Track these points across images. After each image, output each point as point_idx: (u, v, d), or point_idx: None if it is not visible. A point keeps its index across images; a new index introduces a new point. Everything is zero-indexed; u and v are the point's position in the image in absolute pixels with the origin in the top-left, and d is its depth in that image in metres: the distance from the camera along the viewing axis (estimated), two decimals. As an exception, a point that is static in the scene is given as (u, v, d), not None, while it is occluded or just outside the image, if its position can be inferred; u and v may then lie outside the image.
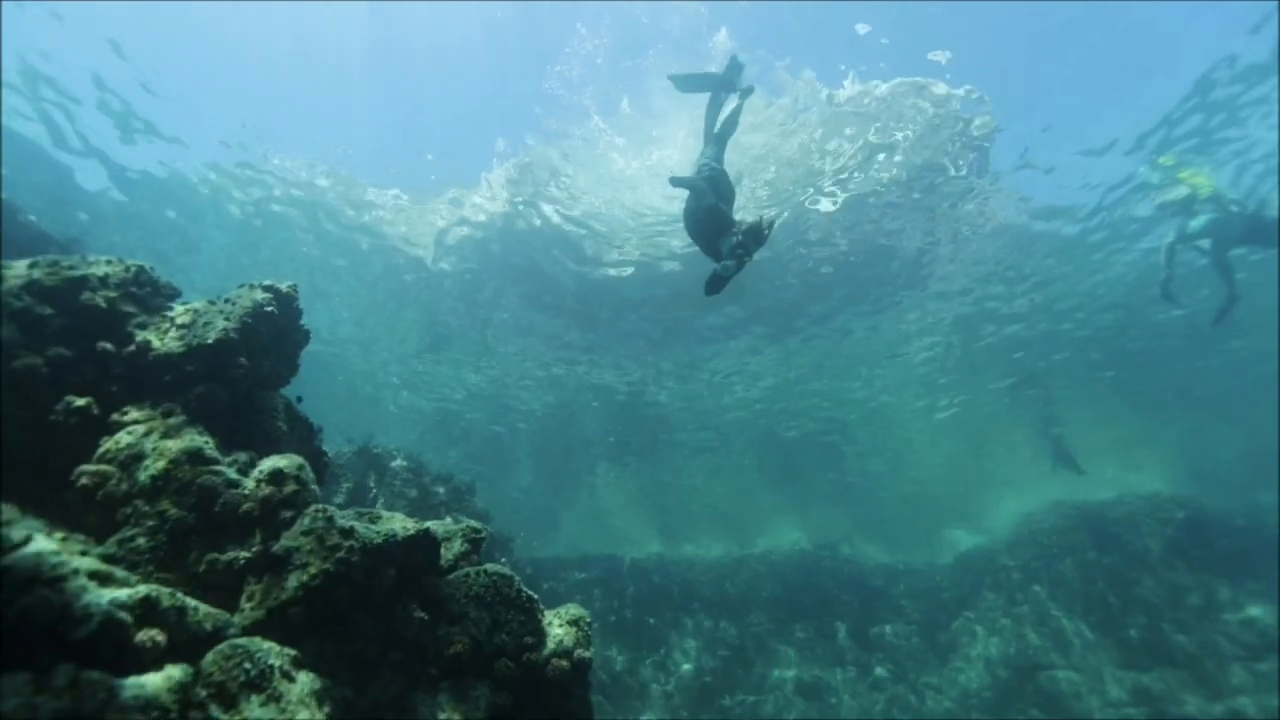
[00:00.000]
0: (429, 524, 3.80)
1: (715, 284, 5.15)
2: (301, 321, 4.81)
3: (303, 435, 4.40)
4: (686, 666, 14.49)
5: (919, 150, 11.89)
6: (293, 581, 2.88)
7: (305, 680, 2.65)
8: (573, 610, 4.18)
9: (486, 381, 20.10)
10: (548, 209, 13.53)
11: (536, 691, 3.61)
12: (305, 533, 3.06)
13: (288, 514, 3.21)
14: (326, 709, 2.69)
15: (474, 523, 4.13)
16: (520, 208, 13.53)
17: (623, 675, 13.11)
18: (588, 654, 3.89)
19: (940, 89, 10.82)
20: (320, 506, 3.15)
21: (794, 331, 17.23)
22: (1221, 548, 13.88)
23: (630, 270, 15.05)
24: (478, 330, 17.58)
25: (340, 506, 6.67)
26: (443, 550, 3.87)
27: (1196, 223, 10.35)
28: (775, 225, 5.10)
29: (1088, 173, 12.64)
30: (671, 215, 13.61)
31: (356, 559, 3.04)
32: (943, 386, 19.77)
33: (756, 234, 5.16)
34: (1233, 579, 13.23)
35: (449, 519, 10.55)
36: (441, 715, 3.11)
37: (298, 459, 3.47)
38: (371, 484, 10.42)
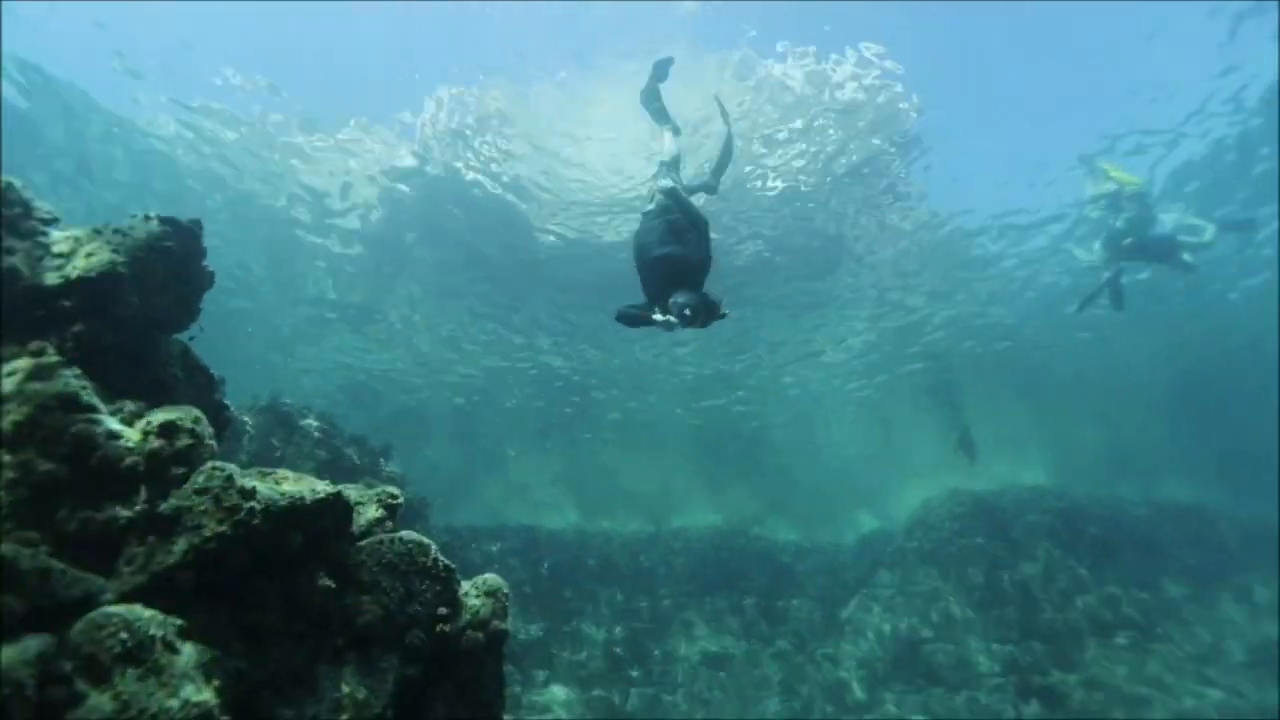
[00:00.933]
0: (342, 487, 3.57)
1: (632, 322, 4.87)
2: (206, 263, 4.38)
3: (201, 386, 4.02)
4: (599, 637, 14.67)
5: (850, 142, 12.25)
6: (182, 544, 2.62)
7: (191, 652, 2.43)
8: (490, 581, 4.07)
9: (404, 349, 19.32)
10: (477, 167, 12.97)
11: (449, 663, 3.49)
12: (199, 491, 2.78)
13: (179, 471, 2.91)
14: (216, 682, 2.48)
15: (391, 488, 3.92)
16: (450, 162, 12.91)
17: (534, 645, 13.12)
18: (504, 625, 3.80)
19: (873, 81, 11.16)
20: (218, 464, 2.88)
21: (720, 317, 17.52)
22: (1087, 534, 15.34)
23: (562, 244, 14.75)
24: (391, 293, 16.79)
25: (243, 466, 6.24)
26: (356, 516, 3.66)
27: (1120, 222, 10.87)
28: (727, 316, 4.70)
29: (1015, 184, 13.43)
30: (612, 196, 13.41)
31: (258, 522, 2.80)
32: (860, 370, 20.65)
33: (711, 313, 4.53)
34: (1094, 562, 14.67)
35: (362, 483, 10.10)
36: (345, 688, 2.95)
37: (194, 411, 3.16)
38: (278, 443, 9.80)
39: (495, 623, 3.76)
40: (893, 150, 12.50)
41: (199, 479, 2.82)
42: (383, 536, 3.53)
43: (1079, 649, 12.33)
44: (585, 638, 14.47)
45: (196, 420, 3.14)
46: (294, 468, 9.16)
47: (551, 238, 14.57)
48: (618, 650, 14.38)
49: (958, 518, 16.67)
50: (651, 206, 5.47)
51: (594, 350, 19.21)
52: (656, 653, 14.86)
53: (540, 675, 12.41)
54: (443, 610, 3.54)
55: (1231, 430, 25.64)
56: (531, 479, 29.06)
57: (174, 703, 2.26)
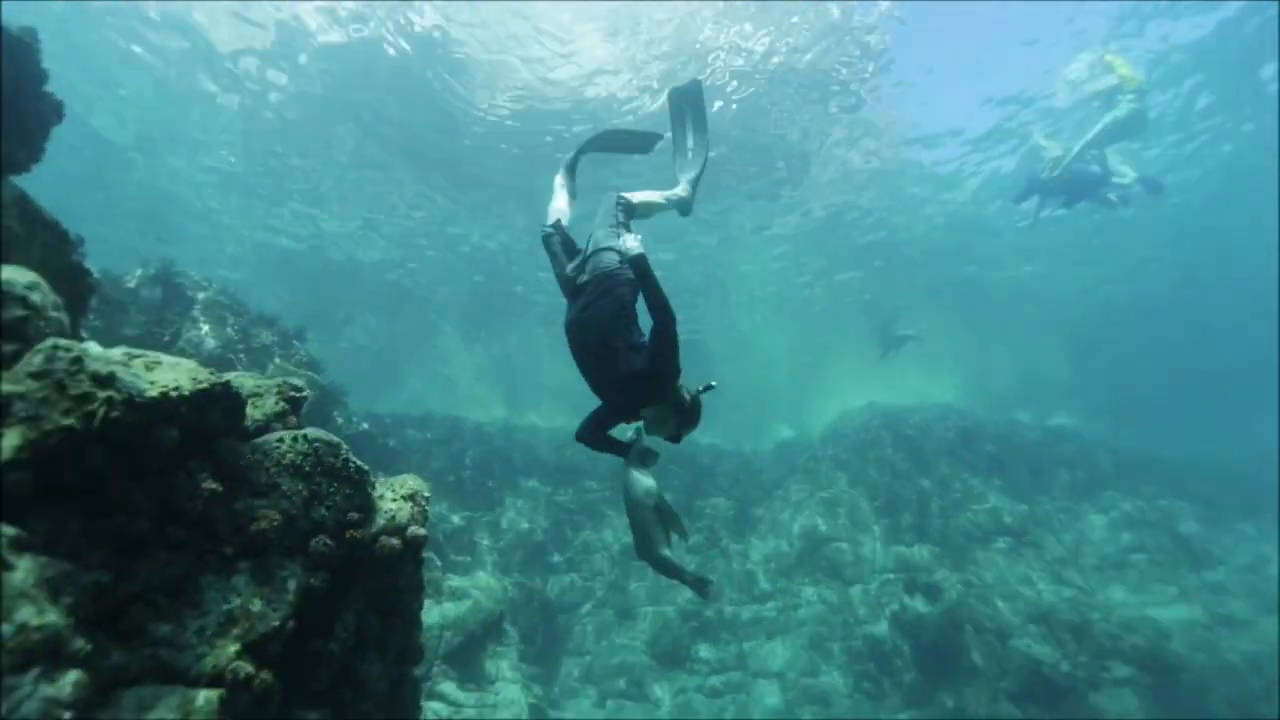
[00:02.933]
0: (230, 376, 3.07)
1: (599, 445, 3.82)
2: (49, 89, 3.50)
3: (49, 244, 3.29)
4: (522, 526, 14.94)
5: (815, 51, 11.55)
6: (13, 439, 2.12)
7: (29, 566, 2.01)
8: (409, 483, 3.75)
9: (328, 223, 17.69)
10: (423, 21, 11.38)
11: (361, 571, 3.22)
12: (37, 375, 2.24)
13: (10, 348, 2.34)
14: (67, 599, 2.09)
15: (293, 379, 3.44)
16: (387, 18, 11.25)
17: (456, 534, 13.21)
18: (422, 531, 3.53)
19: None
20: (61, 342, 2.32)
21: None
22: (984, 452, 16.61)
23: (508, 120, 13.48)
24: (310, 163, 15.09)
25: (128, 345, 5.54)
26: (251, 409, 3.19)
27: (1119, 112, 10.88)
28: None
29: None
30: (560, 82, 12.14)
31: (117, 415, 2.31)
32: (800, 269, 20.73)
33: (695, 416, 3.48)
34: (987, 477, 15.98)
35: (273, 366, 9.36)
36: (235, 599, 2.62)
37: (28, 274, 2.53)
38: (173, 320, 8.82)
39: (413, 528, 3.49)
40: (856, 55, 11.87)
41: (36, 360, 2.27)
42: (283, 433, 3.10)
43: (963, 552, 13.60)
44: (508, 526, 14.70)
45: (33, 286, 2.52)
46: (192, 348, 8.32)
47: (494, 110, 13.26)
48: (540, 539, 14.75)
49: (870, 430, 17.61)
50: (587, 278, 3.55)
51: (531, 233, 18.26)
52: (577, 541, 15.37)
53: (462, 561, 12.57)
54: (354, 515, 3.22)
55: (1124, 370, 28.06)
56: (459, 372, 28.46)
57: (6, 628, 1.87)
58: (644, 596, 14.07)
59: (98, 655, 2.20)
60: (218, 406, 2.78)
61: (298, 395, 3.38)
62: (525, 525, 14.96)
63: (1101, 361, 27.35)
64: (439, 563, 11.82)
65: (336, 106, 13.04)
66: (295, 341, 11.07)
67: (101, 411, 2.27)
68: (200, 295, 9.43)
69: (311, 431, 3.22)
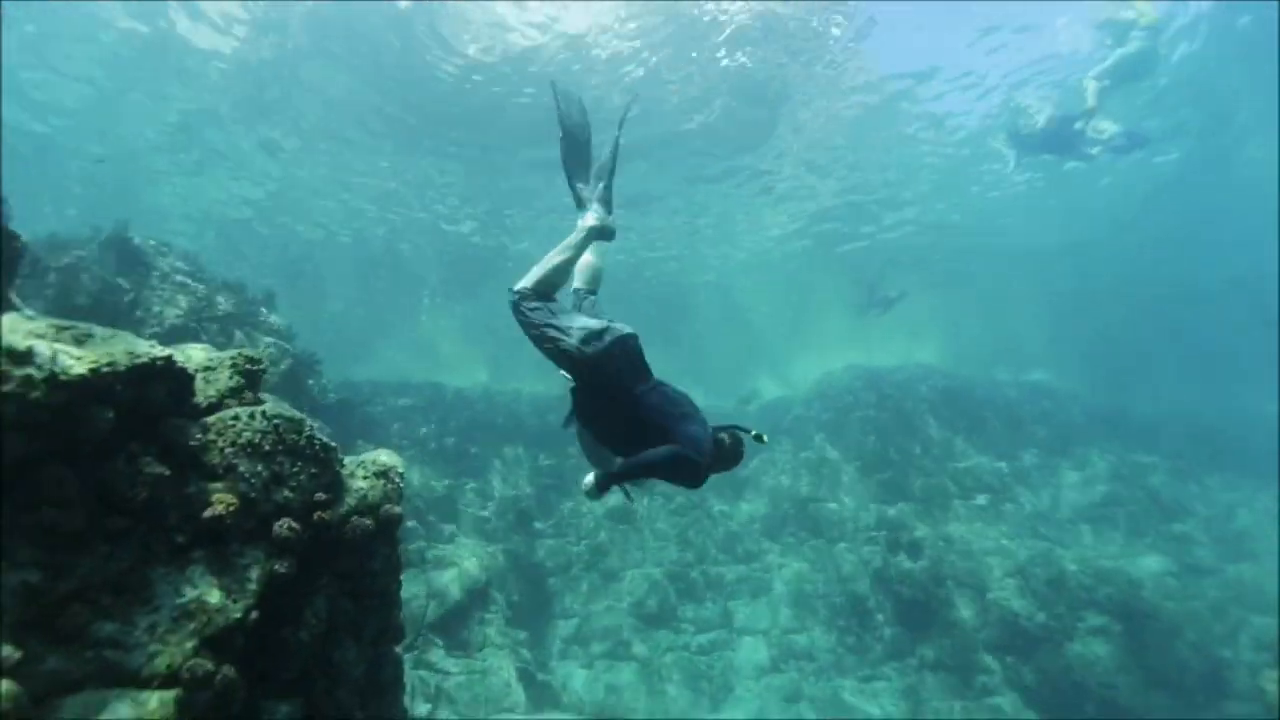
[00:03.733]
0: (176, 349, 2.80)
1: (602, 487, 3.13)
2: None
3: (-37, 204, 2.96)
4: (505, 493, 14.84)
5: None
6: (-88, 426, 1.86)
7: (-62, 571, 1.78)
8: (382, 458, 3.54)
9: (299, 180, 16.93)
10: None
11: (330, 555, 3.02)
12: (-60, 352, 1.97)
13: (-93, 321, 2.06)
14: (-11, 603, 1.86)
15: (249, 350, 3.18)
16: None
17: (440, 502, 13.06)
18: (397, 509, 3.34)
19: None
20: (-32, 314, 2.04)
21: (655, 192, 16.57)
22: (965, 410, 16.76)
23: (491, 80, 12.83)
24: (282, 115, 14.32)
25: (74, 314, 5.22)
26: (202, 384, 2.93)
27: (1129, 49, 10.85)
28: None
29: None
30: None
31: (39, 395, 2.05)
32: (783, 241, 20.47)
33: (735, 458, 3.29)
34: (967, 435, 16.16)
35: (240, 335, 8.97)
36: (190, 592, 2.42)
37: (-73, 237, 2.23)
38: (127, 288, 8.35)
39: (387, 507, 3.29)
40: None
41: (-63, 334, 2.00)
42: (238, 410, 2.85)
43: (944, 509, 13.80)
44: (491, 493, 14.59)
45: (-65, 250, 2.22)
46: (148, 317, 7.89)
47: (474, 63, 12.59)
48: (524, 505, 14.67)
49: (853, 390, 17.65)
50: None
51: (514, 204, 17.76)
52: (563, 507, 15.33)
53: (446, 529, 12.47)
54: (321, 495, 3.01)
55: (1098, 327, 28.44)
56: (438, 337, 27.98)
57: (-89, 641, 1.65)
58: (629, 559, 14.14)
59: (31, 661, 1.99)
60: (160, 383, 2.52)
61: (254, 368, 3.12)
62: (510, 491, 14.85)
63: (1080, 318, 27.65)
64: (423, 531, 11.70)
65: (312, 54, 12.28)
66: (263, 309, 10.65)
67: (18, 391, 2.01)
68: (160, 261, 8.94)
69: (271, 407, 2.97)
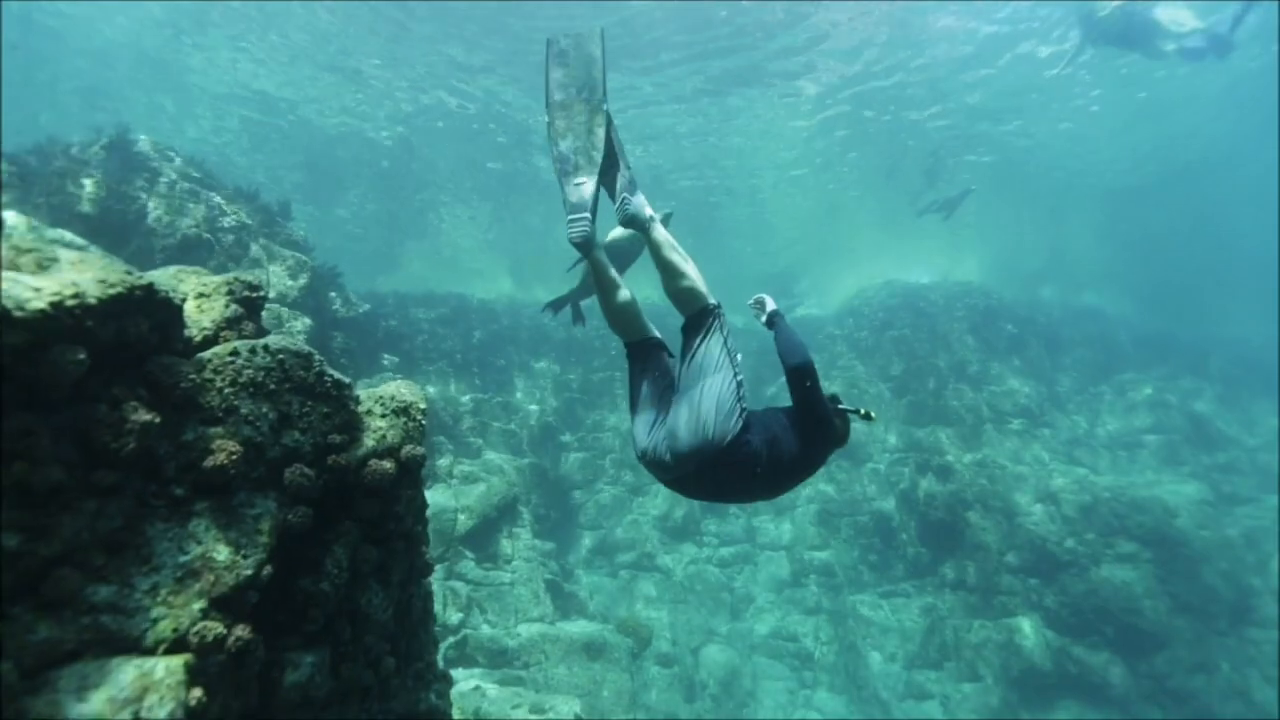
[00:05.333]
0: (157, 274, 2.45)
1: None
2: None
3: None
4: (531, 407, 14.85)
5: None
6: None
7: (-117, 549, 1.52)
8: (402, 392, 3.23)
9: (319, 81, 15.94)
10: None
11: (349, 501, 2.78)
12: None
13: None
14: (-43, 576, 1.63)
15: (247, 275, 2.81)
16: None
17: (466, 415, 13.10)
18: (419, 450, 3.07)
19: None
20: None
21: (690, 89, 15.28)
22: (1004, 332, 16.09)
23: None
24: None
25: (77, 226, 4.93)
26: (195, 314, 2.60)
27: None
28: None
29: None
30: None
31: (-10, 336, 1.73)
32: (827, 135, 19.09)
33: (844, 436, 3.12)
34: (1004, 357, 15.58)
35: (256, 248, 8.63)
36: (195, 548, 2.19)
37: None
38: (139, 194, 7.96)
39: (409, 447, 3.02)
40: None
41: None
42: (237, 345, 2.53)
43: (976, 433, 13.48)
44: (518, 406, 14.61)
45: None
46: (160, 226, 7.51)
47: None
48: (550, 420, 14.70)
49: (888, 309, 17.00)
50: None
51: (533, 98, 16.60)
52: (588, 421, 15.36)
53: (474, 443, 12.55)
54: (335, 438, 2.73)
55: (1158, 252, 26.77)
56: (462, 245, 27.39)
57: None
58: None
59: (16, 632, 1.79)
60: (141, 317, 2.18)
61: (254, 295, 2.77)
62: (535, 406, 14.87)
63: (1141, 240, 25.99)
64: (451, 446, 11.78)
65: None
66: (280, 219, 10.24)
67: (-37, 333, 1.69)
68: (166, 167, 8.49)
69: (274, 340, 2.64)
